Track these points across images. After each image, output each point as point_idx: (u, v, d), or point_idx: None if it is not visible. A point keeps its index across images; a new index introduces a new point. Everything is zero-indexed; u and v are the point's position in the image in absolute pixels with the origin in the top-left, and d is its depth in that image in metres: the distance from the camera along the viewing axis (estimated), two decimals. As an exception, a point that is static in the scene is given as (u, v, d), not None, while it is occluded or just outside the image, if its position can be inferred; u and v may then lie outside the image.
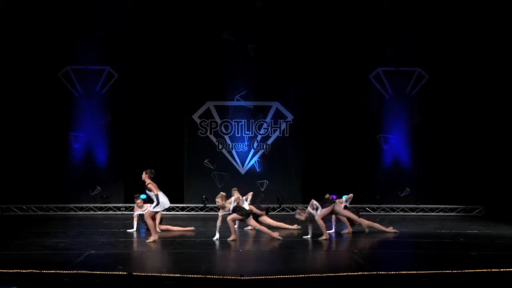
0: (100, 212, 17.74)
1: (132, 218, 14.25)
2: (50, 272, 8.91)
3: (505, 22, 17.28)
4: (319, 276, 9.01)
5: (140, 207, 13.89)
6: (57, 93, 17.84)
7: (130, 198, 17.73)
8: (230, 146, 18.39)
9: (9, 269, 8.94)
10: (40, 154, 17.62)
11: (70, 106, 18.00)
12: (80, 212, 17.70)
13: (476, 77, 17.82)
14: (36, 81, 17.63)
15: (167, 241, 12.88)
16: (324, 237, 12.63)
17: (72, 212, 17.67)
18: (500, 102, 17.79)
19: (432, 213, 17.90)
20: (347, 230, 13.69)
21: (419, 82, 18.36)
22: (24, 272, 8.87)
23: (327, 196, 13.14)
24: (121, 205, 17.89)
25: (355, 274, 8.99)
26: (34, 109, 17.65)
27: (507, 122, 17.73)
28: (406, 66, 18.29)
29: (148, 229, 13.97)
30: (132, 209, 17.50)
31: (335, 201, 13.08)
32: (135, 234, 13.63)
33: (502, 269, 9.29)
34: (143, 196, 17.24)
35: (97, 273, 8.90)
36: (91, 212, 17.75)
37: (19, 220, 16.13)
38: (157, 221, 13.24)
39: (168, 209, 14.72)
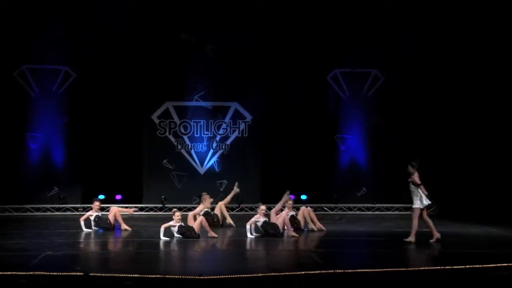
0: (57, 213, 17.55)
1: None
2: (7, 274, 8.82)
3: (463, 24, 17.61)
4: (277, 275, 9.09)
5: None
6: (13, 92, 17.59)
7: (88, 199, 17.62)
8: (189, 146, 18.38)
9: (-36, 271, 8.83)
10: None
11: (27, 106, 17.74)
12: (37, 213, 17.47)
13: (428, 76, 18.17)
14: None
15: (126, 241, 12.85)
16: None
17: (29, 213, 17.44)
18: (453, 102, 18.15)
19: (388, 212, 18.19)
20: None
21: (375, 83, 18.63)
22: (-21, 274, 8.78)
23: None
24: (78, 205, 17.71)
25: (312, 273, 9.10)
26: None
27: (461, 122, 18.11)
28: (363, 68, 18.54)
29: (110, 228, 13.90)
30: (88, 209, 17.41)
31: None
32: (92, 234, 13.54)
33: (455, 267, 9.52)
34: (101, 197, 17.16)
35: (54, 274, 8.84)
36: (48, 213, 17.54)
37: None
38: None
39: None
